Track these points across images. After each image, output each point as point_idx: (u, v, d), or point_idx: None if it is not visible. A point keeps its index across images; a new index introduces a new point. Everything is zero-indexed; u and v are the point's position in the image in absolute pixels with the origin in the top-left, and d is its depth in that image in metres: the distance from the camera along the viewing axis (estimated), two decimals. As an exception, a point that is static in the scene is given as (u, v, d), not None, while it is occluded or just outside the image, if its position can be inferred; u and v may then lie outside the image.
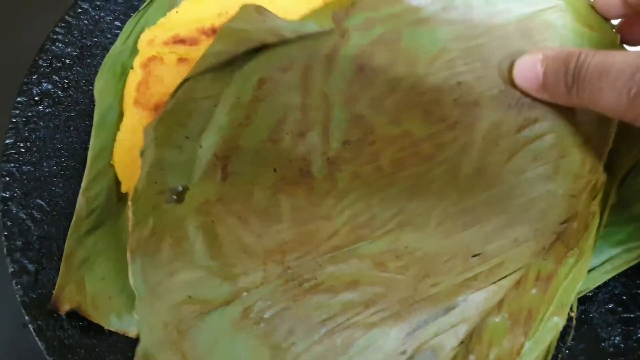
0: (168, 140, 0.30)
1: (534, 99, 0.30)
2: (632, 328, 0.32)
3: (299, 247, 0.30)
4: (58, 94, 0.36)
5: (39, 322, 0.31)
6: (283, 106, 0.31)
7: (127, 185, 0.34)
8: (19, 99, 0.35)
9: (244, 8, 0.31)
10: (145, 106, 0.34)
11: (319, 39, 0.32)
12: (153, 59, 0.35)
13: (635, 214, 0.33)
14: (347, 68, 0.31)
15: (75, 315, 0.31)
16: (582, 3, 0.32)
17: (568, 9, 0.32)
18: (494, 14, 0.32)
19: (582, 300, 0.33)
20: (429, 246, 0.30)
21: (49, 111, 0.35)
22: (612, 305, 0.33)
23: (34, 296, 0.32)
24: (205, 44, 0.35)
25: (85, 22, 0.37)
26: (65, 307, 0.31)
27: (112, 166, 0.34)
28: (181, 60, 0.35)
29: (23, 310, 0.31)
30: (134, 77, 0.35)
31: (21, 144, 0.34)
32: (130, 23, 0.37)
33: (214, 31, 0.36)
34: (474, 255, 0.30)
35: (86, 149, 0.35)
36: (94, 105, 0.36)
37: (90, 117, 0.35)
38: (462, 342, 0.29)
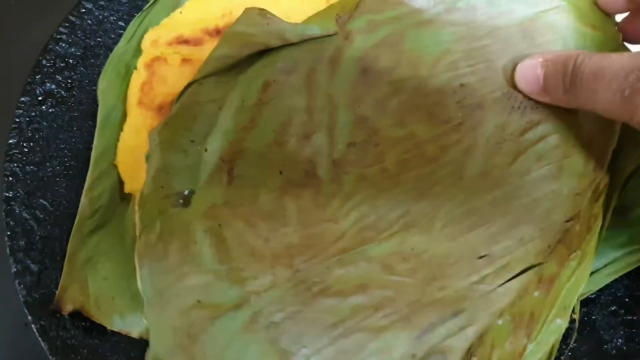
0: (173, 145, 0.30)
1: (537, 101, 0.31)
2: (634, 330, 0.32)
3: (306, 250, 0.29)
4: (61, 94, 0.36)
5: (42, 322, 0.31)
6: (288, 109, 0.31)
7: (131, 185, 0.34)
8: (22, 98, 0.35)
9: (247, 11, 0.31)
10: (149, 106, 0.34)
11: (323, 41, 0.32)
12: (157, 60, 0.35)
13: (637, 216, 0.33)
14: (351, 70, 0.31)
15: (78, 315, 0.32)
16: (585, 2, 0.32)
17: (570, 9, 0.32)
18: (497, 15, 0.32)
19: (585, 302, 0.33)
20: (435, 248, 0.30)
21: (53, 111, 0.35)
22: (614, 307, 0.33)
23: (37, 296, 0.32)
24: (209, 44, 0.35)
25: (89, 22, 0.37)
26: (68, 308, 0.31)
27: (115, 166, 0.34)
28: (185, 60, 0.35)
29: (26, 310, 0.31)
30: (138, 77, 0.35)
31: (24, 144, 0.34)
32: (134, 23, 0.37)
33: (217, 32, 0.36)
34: (480, 257, 0.30)
35: (89, 149, 0.35)
36: (97, 105, 0.36)
37: (94, 117, 0.35)
38: (472, 345, 0.29)
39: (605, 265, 0.33)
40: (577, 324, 0.31)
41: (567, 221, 0.30)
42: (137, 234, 0.30)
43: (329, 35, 0.32)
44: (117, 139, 0.35)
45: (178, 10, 0.37)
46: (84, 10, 0.37)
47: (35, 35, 0.44)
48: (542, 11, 0.32)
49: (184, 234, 0.30)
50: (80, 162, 0.35)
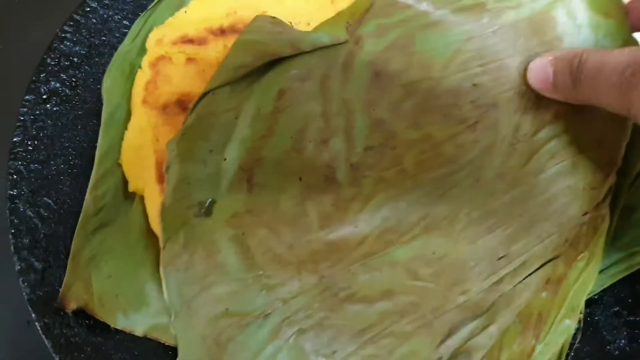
0: (192, 155, 0.31)
1: (547, 100, 0.31)
2: (637, 331, 0.32)
3: (330, 256, 0.30)
4: (66, 92, 0.36)
5: (46, 320, 0.31)
6: (304, 115, 0.31)
7: (135, 184, 0.34)
8: (27, 97, 0.35)
9: (258, 19, 0.31)
10: (154, 105, 0.34)
11: (335, 47, 0.32)
12: (161, 59, 0.35)
13: (640, 218, 0.33)
14: (364, 75, 0.32)
15: (81, 313, 0.32)
16: None
17: None
18: (505, 10, 0.32)
19: (588, 303, 0.33)
20: (455, 252, 0.30)
21: (57, 110, 0.35)
22: (617, 308, 0.33)
23: (41, 294, 0.32)
24: (213, 43, 0.35)
25: (94, 20, 0.37)
26: (72, 305, 0.31)
27: (119, 165, 0.35)
28: (189, 60, 0.35)
29: (30, 308, 0.31)
30: (142, 76, 0.35)
31: (29, 142, 0.34)
32: (138, 22, 0.37)
33: (222, 31, 0.36)
34: (499, 258, 0.30)
35: (94, 147, 0.35)
36: (101, 104, 0.36)
37: (98, 116, 0.35)
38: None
39: (608, 266, 0.33)
40: (581, 324, 0.32)
41: (585, 214, 0.31)
42: (161, 245, 0.30)
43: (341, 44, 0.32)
44: (122, 138, 0.35)
45: (183, 10, 0.37)
46: (88, 9, 0.37)
47: (35, 35, 0.45)
48: (550, 3, 0.31)
49: (208, 244, 0.30)
50: (85, 161, 0.35)
